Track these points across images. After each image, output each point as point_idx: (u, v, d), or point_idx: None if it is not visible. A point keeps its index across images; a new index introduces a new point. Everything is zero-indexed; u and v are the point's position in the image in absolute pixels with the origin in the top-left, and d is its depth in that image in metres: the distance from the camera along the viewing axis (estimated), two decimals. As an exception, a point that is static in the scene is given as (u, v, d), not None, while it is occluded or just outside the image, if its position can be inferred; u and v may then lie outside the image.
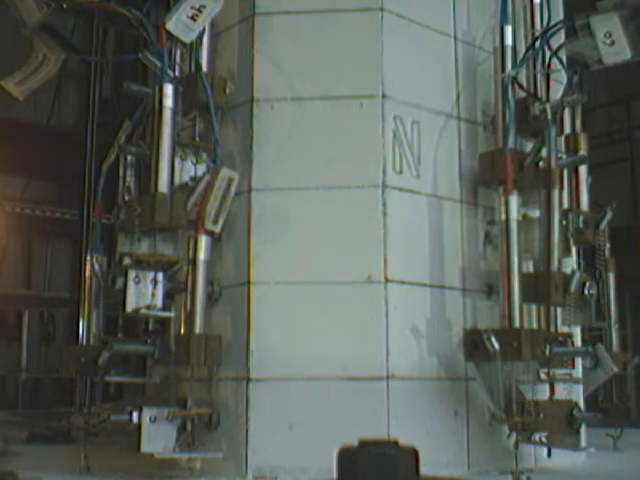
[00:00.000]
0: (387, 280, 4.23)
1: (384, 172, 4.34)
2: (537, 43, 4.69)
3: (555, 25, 4.71)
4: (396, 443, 2.86)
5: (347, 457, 2.82)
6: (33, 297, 12.92)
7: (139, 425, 3.98)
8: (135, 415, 3.98)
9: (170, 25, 4.16)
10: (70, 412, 4.81)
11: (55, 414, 6.58)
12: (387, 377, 4.13)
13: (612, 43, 4.31)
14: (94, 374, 4.43)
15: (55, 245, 13.27)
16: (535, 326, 4.43)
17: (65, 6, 4.63)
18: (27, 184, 12.76)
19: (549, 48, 4.74)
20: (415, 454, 2.83)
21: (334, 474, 2.86)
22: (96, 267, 4.61)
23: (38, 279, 13.33)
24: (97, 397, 4.74)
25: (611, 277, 6.11)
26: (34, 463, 4.86)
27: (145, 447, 3.98)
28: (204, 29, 4.36)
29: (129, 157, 4.46)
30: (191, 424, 4.08)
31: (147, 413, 3.99)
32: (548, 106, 4.54)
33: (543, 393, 4.39)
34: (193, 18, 4.17)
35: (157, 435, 4.00)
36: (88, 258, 4.71)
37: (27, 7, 4.63)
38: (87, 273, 4.74)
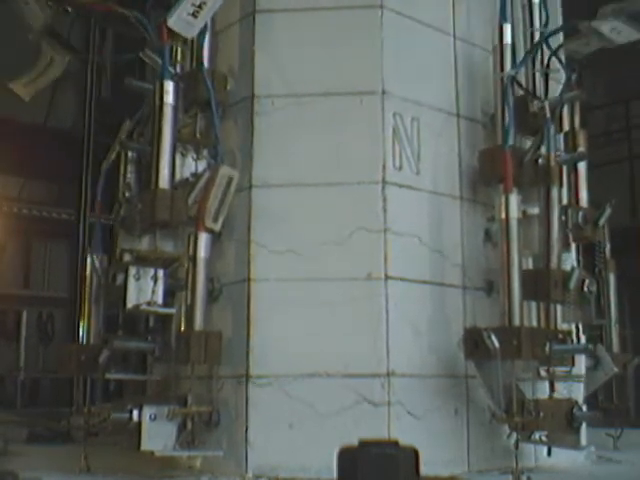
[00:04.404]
0: (387, 277, 4.23)
1: (384, 168, 4.33)
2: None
3: (557, 29, 4.73)
4: (396, 443, 2.87)
5: (347, 457, 2.83)
6: (31, 297, 12.96)
7: (139, 423, 3.97)
8: (135, 413, 3.97)
9: (171, 22, 4.16)
10: (70, 412, 4.78)
11: (54, 414, 6.57)
12: (388, 374, 4.12)
13: (619, 33, 4.33)
14: (95, 372, 4.42)
15: (53, 245, 13.30)
16: (535, 324, 4.42)
17: (69, 10, 4.69)
18: (24, 184, 12.76)
19: (548, 47, 4.75)
20: (415, 454, 2.84)
21: (334, 473, 2.86)
22: (96, 264, 4.61)
23: (36, 279, 13.36)
24: (97, 396, 4.73)
25: (611, 278, 6.10)
26: (34, 463, 4.83)
27: (145, 445, 3.97)
28: (206, 25, 4.37)
29: (130, 154, 4.47)
30: (191, 422, 4.08)
31: (147, 411, 3.98)
32: (547, 103, 4.55)
33: (543, 391, 4.38)
34: (194, 15, 4.17)
35: (157, 433, 4.00)
36: (88, 256, 4.71)
37: (32, 11, 4.71)
38: (87, 271, 4.74)
